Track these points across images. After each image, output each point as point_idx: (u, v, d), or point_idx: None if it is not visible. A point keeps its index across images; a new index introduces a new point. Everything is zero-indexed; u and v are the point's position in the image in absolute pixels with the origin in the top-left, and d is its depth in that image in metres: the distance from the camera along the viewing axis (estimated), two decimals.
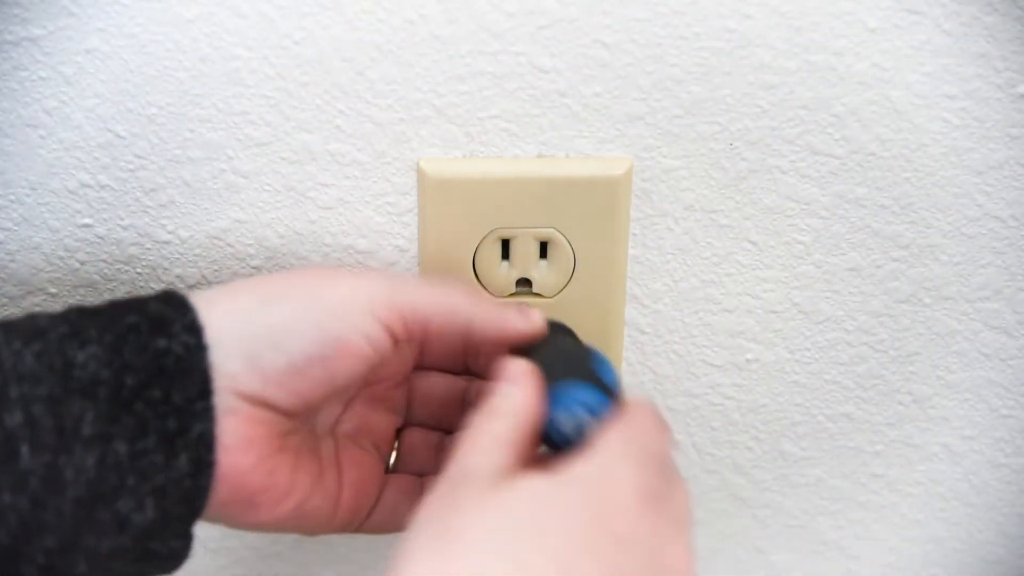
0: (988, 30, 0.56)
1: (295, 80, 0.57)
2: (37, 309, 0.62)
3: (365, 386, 0.55)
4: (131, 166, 0.58)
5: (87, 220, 0.60)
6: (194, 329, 0.48)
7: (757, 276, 0.62)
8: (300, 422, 0.52)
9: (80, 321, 0.48)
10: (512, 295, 0.61)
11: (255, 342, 0.49)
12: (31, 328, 0.47)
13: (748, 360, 0.65)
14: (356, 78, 0.57)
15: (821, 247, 0.61)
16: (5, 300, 0.61)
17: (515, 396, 0.50)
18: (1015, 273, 0.62)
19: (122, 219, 0.60)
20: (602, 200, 0.59)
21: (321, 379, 0.50)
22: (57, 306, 0.62)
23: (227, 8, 0.55)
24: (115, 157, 0.58)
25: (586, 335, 0.61)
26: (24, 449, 0.45)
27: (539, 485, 0.46)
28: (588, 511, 0.45)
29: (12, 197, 0.59)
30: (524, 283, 0.61)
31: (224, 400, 0.48)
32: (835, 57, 0.57)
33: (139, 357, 0.47)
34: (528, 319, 0.53)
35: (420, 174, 0.58)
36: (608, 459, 0.47)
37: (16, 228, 0.60)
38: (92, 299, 0.62)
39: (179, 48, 0.56)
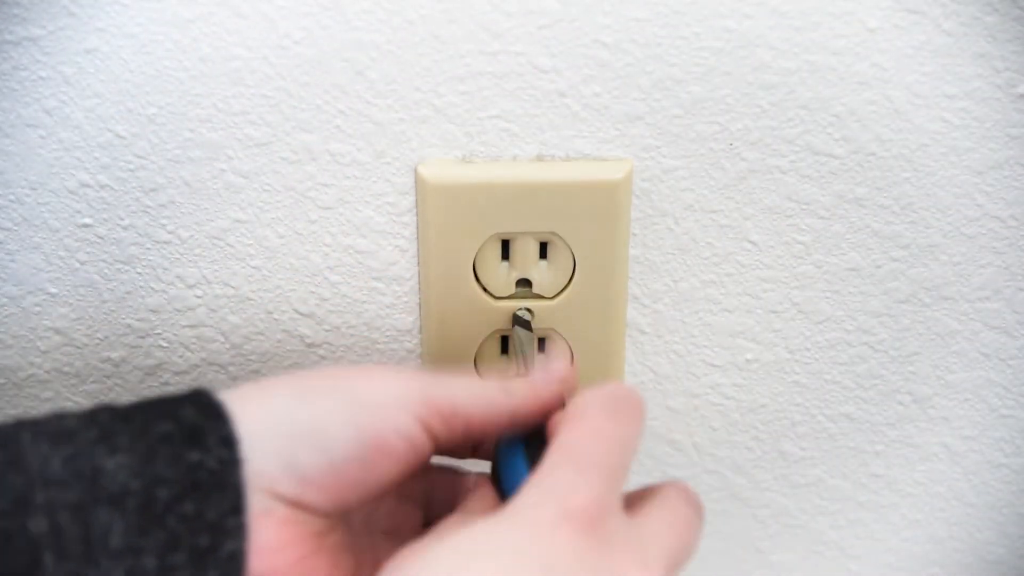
0: (988, 30, 0.56)
1: (295, 80, 0.57)
2: (37, 309, 0.62)
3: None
4: (131, 166, 0.58)
5: (87, 220, 0.60)
6: (229, 442, 0.46)
7: (757, 276, 0.62)
8: (337, 521, 0.50)
9: (111, 425, 0.46)
10: (512, 296, 0.61)
11: (292, 442, 0.47)
12: (59, 429, 0.46)
13: (748, 360, 0.65)
14: (356, 78, 0.57)
15: (821, 247, 0.61)
16: (5, 300, 0.61)
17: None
18: (1015, 273, 0.62)
19: (122, 219, 0.60)
20: (603, 204, 0.59)
21: (360, 480, 0.48)
22: (57, 306, 0.62)
23: (227, 8, 0.55)
24: (115, 157, 0.58)
25: (587, 336, 0.61)
26: (48, 557, 0.43)
27: (475, 534, 0.46)
28: (521, 550, 0.45)
29: (12, 197, 0.59)
30: (524, 283, 0.61)
31: (260, 501, 0.46)
32: (835, 57, 0.57)
33: (172, 469, 0.45)
34: (560, 398, 0.52)
35: (418, 180, 0.58)
36: (545, 482, 0.47)
37: (16, 228, 0.60)
38: (92, 298, 0.62)
39: (179, 48, 0.56)
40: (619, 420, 0.49)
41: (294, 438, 0.47)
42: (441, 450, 0.51)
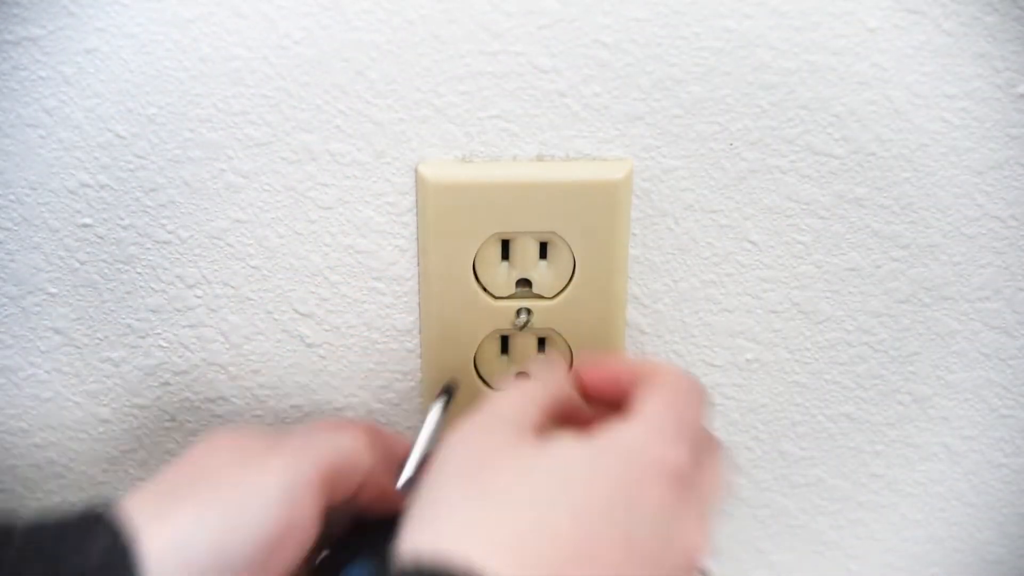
0: (988, 30, 0.56)
1: (295, 80, 0.57)
2: (37, 309, 0.62)
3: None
4: (131, 166, 0.58)
5: (87, 220, 0.60)
6: None
7: (757, 276, 0.62)
8: None
9: (19, 563, 0.47)
10: (512, 296, 0.61)
11: (198, 570, 0.48)
12: None
13: (748, 360, 0.65)
14: (356, 78, 0.57)
15: (821, 247, 0.61)
16: (5, 300, 0.61)
17: (547, 372, 0.53)
18: (1015, 273, 0.62)
19: (122, 219, 0.60)
20: (602, 204, 0.59)
21: (267, 572, 0.50)
22: (57, 305, 0.62)
23: (227, 8, 0.55)
24: (115, 157, 0.58)
25: (586, 336, 0.61)
26: None
27: (574, 448, 0.47)
28: (615, 482, 0.47)
29: (12, 197, 0.59)
30: (524, 283, 0.61)
31: None
32: (835, 57, 0.57)
33: None
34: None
35: (419, 179, 0.58)
36: (643, 433, 0.49)
37: (16, 228, 0.60)
38: (92, 298, 0.62)
39: (179, 48, 0.56)
40: (679, 386, 0.52)
41: (202, 568, 0.48)
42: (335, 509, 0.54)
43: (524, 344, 0.62)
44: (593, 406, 0.54)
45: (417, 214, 0.59)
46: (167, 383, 0.64)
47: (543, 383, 0.52)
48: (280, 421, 0.65)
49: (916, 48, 0.56)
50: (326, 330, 0.63)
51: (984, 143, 0.59)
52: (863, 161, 0.59)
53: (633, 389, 0.52)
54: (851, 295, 0.63)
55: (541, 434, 0.48)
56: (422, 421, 0.59)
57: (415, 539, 0.44)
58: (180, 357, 0.63)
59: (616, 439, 0.48)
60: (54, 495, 0.67)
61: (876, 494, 0.69)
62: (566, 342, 0.61)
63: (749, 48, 0.56)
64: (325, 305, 0.62)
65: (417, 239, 0.60)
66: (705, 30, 0.56)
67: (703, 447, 0.51)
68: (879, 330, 0.64)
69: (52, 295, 0.62)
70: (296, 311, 0.62)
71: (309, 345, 0.63)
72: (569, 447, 0.47)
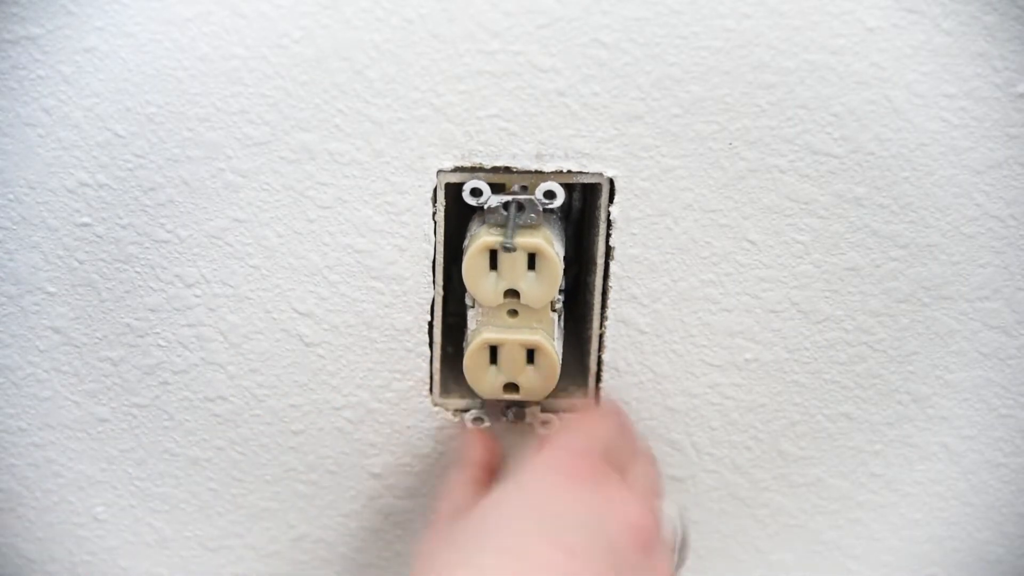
0: (987, 29, 0.56)
1: (294, 79, 0.57)
2: (35, 308, 0.62)
3: None
4: (130, 165, 0.58)
5: (86, 219, 0.60)
6: None
7: (756, 276, 0.62)
8: None
9: None
10: (500, 306, 0.61)
11: None
12: None
13: (747, 360, 0.65)
14: (355, 77, 0.57)
15: (820, 246, 0.61)
16: (4, 299, 0.61)
17: (466, 448, 0.62)
18: (1014, 272, 0.62)
19: (121, 218, 0.60)
20: None
21: None
22: (56, 305, 0.62)
23: (226, 7, 0.55)
24: (114, 156, 0.58)
25: None
26: None
27: (490, 501, 0.54)
28: (524, 506, 0.53)
29: (11, 196, 0.59)
30: (512, 293, 0.60)
31: None
32: (834, 56, 0.57)
33: None
34: None
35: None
36: (538, 458, 0.55)
37: (15, 227, 0.60)
38: (91, 298, 0.62)
39: (178, 47, 0.56)
40: (584, 419, 0.60)
41: None
42: None
43: (513, 354, 0.61)
44: None
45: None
46: (166, 382, 0.64)
47: (466, 462, 0.62)
48: (279, 420, 0.65)
49: (915, 47, 0.56)
50: (325, 329, 0.63)
51: (983, 142, 0.59)
52: (862, 160, 0.59)
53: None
54: (850, 294, 0.63)
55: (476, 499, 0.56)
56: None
57: None
58: (179, 356, 0.63)
59: (522, 474, 0.55)
60: (52, 494, 0.67)
61: (875, 494, 0.69)
62: (554, 353, 0.61)
63: (748, 47, 0.56)
64: (324, 304, 0.62)
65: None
66: (704, 29, 0.56)
67: (618, 453, 0.57)
68: (878, 330, 0.64)
69: (51, 294, 0.61)
70: (295, 310, 0.62)
71: (308, 344, 0.63)
72: (489, 499, 0.55)
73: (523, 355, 0.61)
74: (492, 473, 0.62)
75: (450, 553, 0.52)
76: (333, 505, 0.68)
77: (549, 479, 0.54)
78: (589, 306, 0.63)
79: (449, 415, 0.65)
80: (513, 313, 0.61)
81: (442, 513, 0.58)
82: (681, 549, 0.59)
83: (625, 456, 0.59)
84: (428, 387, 0.64)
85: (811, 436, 0.67)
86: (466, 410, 0.65)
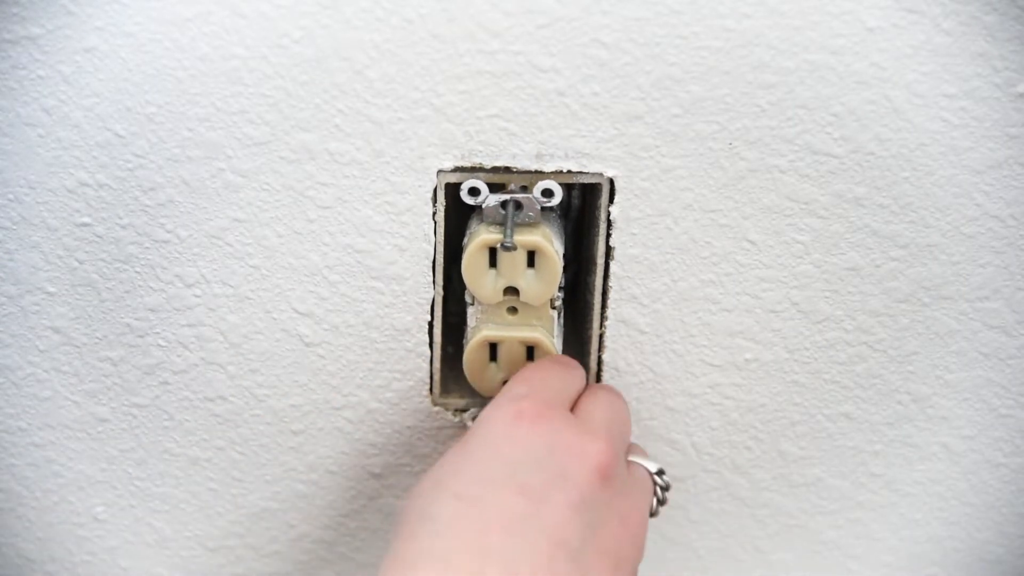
0: (987, 29, 0.56)
1: (294, 79, 0.57)
2: (35, 308, 0.62)
3: None
4: (130, 165, 0.58)
5: (86, 219, 0.60)
6: None
7: (756, 275, 0.62)
8: None
9: None
10: (500, 304, 0.61)
11: None
12: None
13: (747, 360, 0.65)
14: (355, 77, 0.57)
15: (820, 246, 0.61)
16: (4, 299, 0.61)
17: None
18: (1014, 272, 0.62)
19: (121, 218, 0.60)
20: None
21: None
22: (55, 305, 0.62)
23: (226, 7, 0.55)
24: (114, 156, 0.58)
25: None
26: None
27: (443, 457, 0.55)
28: (476, 451, 0.53)
29: (11, 196, 0.59)
30: (512, 291, 0.60)
31: None
32: (834, 56, 0.57)
33: None
34: None
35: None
36: (488, 408, 0.56)
37: (15, 227, 0.60)
38: (91, 298, 0.62)
39: (178, 47, 0.56)
40: (539, 366, 0.60)
41: None
42: None
43: (512, 352, 0.61)
44: None
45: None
46: (166, 382, 0.64)
47: None
48: (279, 420, 0.65)
49: (915, 47, 0.56)
50: (325, 329, 0.63)
51: (983, 142, 0.59)
52: (862, 160, 0.59)
53: None
54: (850, 294, 0.63)
55: None
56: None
57: None
58: (179, 356, 0.63)
59: (473, 425, 0.56)
60: (52, 495, 0.67)
61: (875, 494, 0.69)
62: (554, 350, 0.61)
63: (748, 47, 0.56)
64: (324, 304, 0.62)
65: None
66: (704, 29, 0.56)
67: (563, 394, 0.57)
68: (878, 329, 0.64)
69: (51, 294, 0.61)
70: (295, 310, 0.62)
71: (308, 344, 0.63)
72: (443, 457, 0.55)
73: (523, 352, 0.61)
74: None
75: (411, 506, 0.52)
76: (333, 505, 0.68)
77: (499, 426, 0.54)
78: (589, 306, 0.63)
79: (449, 415, 0.65)
80: (513, 311, 0.61)
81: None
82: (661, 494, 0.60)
83: (579, 398, 0.59)
84: (428, 387, 0.64)
85: (811, 436, 0.67)
86: (466, 410, 0.65)
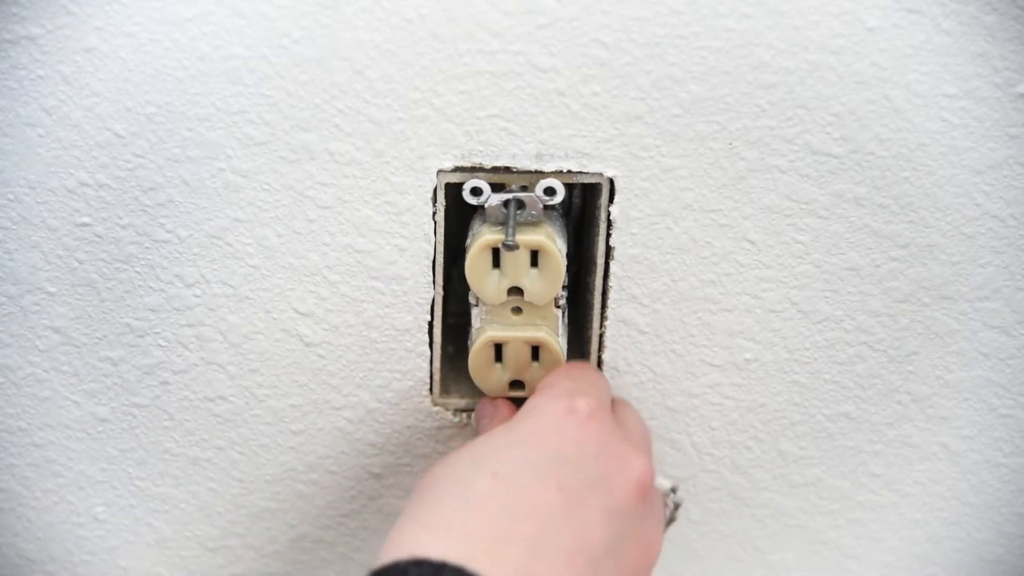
0: (987, 29, 0.56)
1: (294, 79, 0.57)
2: (35, 308, 0.62)
3: None
4: (130, 165, 0.58)
5: (86, 219, 0.60)
6: None
7: (756, 275, 0.62)
8: None
9: None
10: (504, 304, 0.61)
11: None
12: None
13: (747, 360, 0.65)
14: (355, 77, 0.57)
15: (820, 246, 0.61)
16: (4, 299, 0.61)
17: (497, 421, 0.60)
18: (1014, 272, 0.62)
19: (121, 218, 0.60)
20: None
21: None
22: (55, 305, 0.62)
23: (226, 7, 0.55)
24: (114, 156, 0.58)
25: None
26: None
27: (489, 432, 0.54)
28: (529, 437, 0.52)
29: (11, 196, 0.59)
30: (516, 291, 0.60)
31: None
32: (834, 56, 0.57)
33: None
34: None
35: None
36: (544, 398, 0.55)
37: (14, 227, 0.60)
38: (91, 298, 0.62)
39: (178, 47, 0.56)
40: (583, 367, 0.61)
41: None
42: None
43: (518, 352, 0.61)
44: None
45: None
46: (166, 382, 0.64)
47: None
48: (279, 420, 0.65)
49: (915, 47, 0.56)
50: (325, 329, 0.63)
51: (983, 142, 0.59)
52: (862, 160, 0.59)
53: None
54: (850, 294, 0.63)
55: None
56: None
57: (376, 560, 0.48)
58: (179, 356, 0.63)
59: (525, 408, 0.55)
60: (52, 495, 0.67)
61: (875, 494, 0.69)
62: (559, 349, 0.61)
63: (748, 47, 0.56)
64: (324, 304, 0.62)
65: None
66: (704, 29, 0.56)
67: (607, 397, 0.57)
68: (878, 330, 0.64)
69: (51, 294, 0.61)
70: (295, 310, 0.62)
71: (308, 344, 0.63)
72: (489, 431, 0.54)
73: (528, 352, 0.61)
74: None
75: (442, 474, 0.52)
76: (333, 505, 0.68)
77: (551, 417, 0.54)
78: (589, 306, 0.63)
79: (449, 415, 0.65)
80: (517, 311, 0.61)
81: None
82: (672, 512, 0.60)
83: (616, 408, 0.60)
84: (428, 387, 0.64)
85: (811, 436, 0.67)
86: (466, 410, 0.65)
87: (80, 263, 0.61)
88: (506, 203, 0.59)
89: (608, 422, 0.55)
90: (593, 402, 0.55)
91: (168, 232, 0.60)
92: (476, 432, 0.65)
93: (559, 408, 0.54)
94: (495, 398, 0.62)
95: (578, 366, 0.60)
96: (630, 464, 0.54)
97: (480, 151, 0.58)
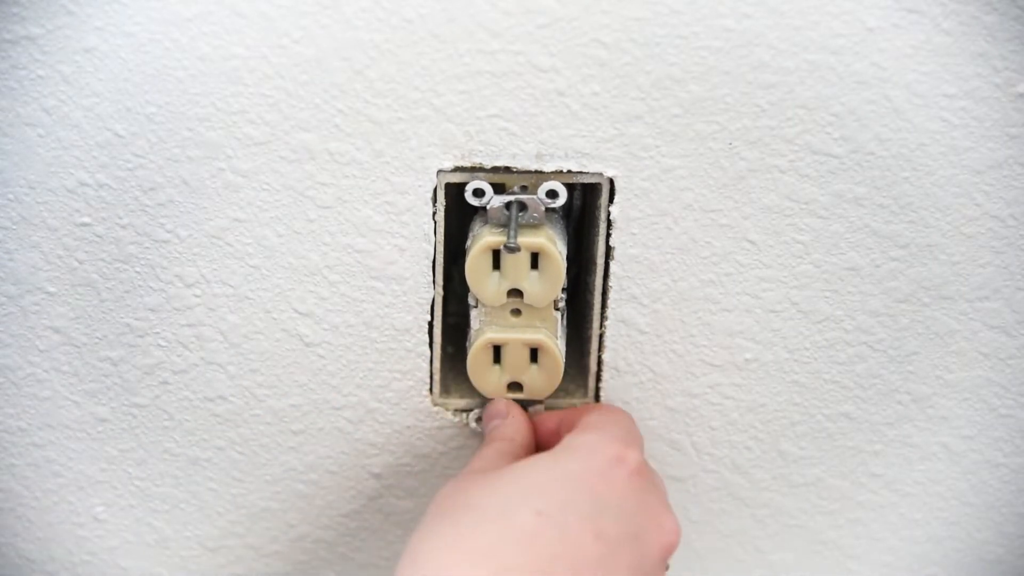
0: (987, 29, 0.56)
1: (294, 79, 0.57)
2: (35, 308, 0.62)
3: None
4: (130, 165, 0.58)
5: (86, 219, 0.60)
6: None
7: (756, 275, 0.62)
8: None
9: None
10: (503, 306, 0.61)
11: None
12: None
13: (747, 360, 0.65)
14: (355, 77, 0.57)
15: (820, 246, 0.61)
16: (4, 299, 0.61)
17: (510, 424, 0.60)
18: (1014, 272, 0.62)
19: (121, 218, 0.60)
20: None
21: None
22: (55, 304, 0.62)
23: (226, 7, 0.55)
24: (114, 156, 0.58)
25: None
26: None
27: (535, 458, 0.53)
28: (576, 476, 0.52)
29: (11, 196, 0.59)
30: (515, 293, 0.60)
31: None
32: (834, 56, 0.57)
33: None
34: None
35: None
36: (596, 437, 0.54)
37: (15, 227, 0.60)
38: (91, 298, 0.62)
39: (178, 47, 0.56)
40: (621, 412, 0.61)
41: None
42: None
43: (516, 354, 0.61)
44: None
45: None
46: (166, 382, 0.64)
47: (506, 441, 0.59)
48: (279, 420, 0.65)
49: (915, 47, 0.56)
50: (325, 329, 0.63)
51: (983, 142, 0.59)
52: (862, 160, 0.59)
53: (579, 419, 0.58)
54: (850, 294, 0.63)
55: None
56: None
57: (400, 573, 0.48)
58: (179, 356, 0.63)
59: (573, 443, 0.54)
60: (52, 495, 0.67)
61: (875, 494, 0.69)
62: (558, 351, 0.61)
63: (748, 47, 0.56)
64: (324, 304, 0.62)
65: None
66: (704, 29, 0.56)
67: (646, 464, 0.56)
68: (878, 329, 0.64)
69: (51, 294, 0.62)
70: (295, 310, 0.62)
71: (308, 344, 0.63)
72: (531, 459, 0.53)
73: (527, 354, 0.61)
74: (528, 452, 0.60)
75: (484, 500, 0.51)
76: (333, 505, 0.68)
77: (599, 462, 0.53)
78: (589, 306, 0.63)
79: (449, 415, 0.65)
80: (516, 312, 0.61)
81: (472, 469, 0.56)
82: None
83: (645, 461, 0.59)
84: (428, 387, 0.64)
85: (811, 436, 0.67)
86: (466, 410, 0.65)
87: (80, 263, 0.61)
88: (508, 205, 0.59)
89: (650, 479, 0.55)
90: (640, 456, 0.55)
91: (168, 232, 0.60)
92: (480, 433, 0.65)
93: (610, 454, 0.54)
94: (505, 400, 0.62)
95: (617, 410, 0.60)
96: (664, 526, 0.54)
97: (480, 151, 0.58)
